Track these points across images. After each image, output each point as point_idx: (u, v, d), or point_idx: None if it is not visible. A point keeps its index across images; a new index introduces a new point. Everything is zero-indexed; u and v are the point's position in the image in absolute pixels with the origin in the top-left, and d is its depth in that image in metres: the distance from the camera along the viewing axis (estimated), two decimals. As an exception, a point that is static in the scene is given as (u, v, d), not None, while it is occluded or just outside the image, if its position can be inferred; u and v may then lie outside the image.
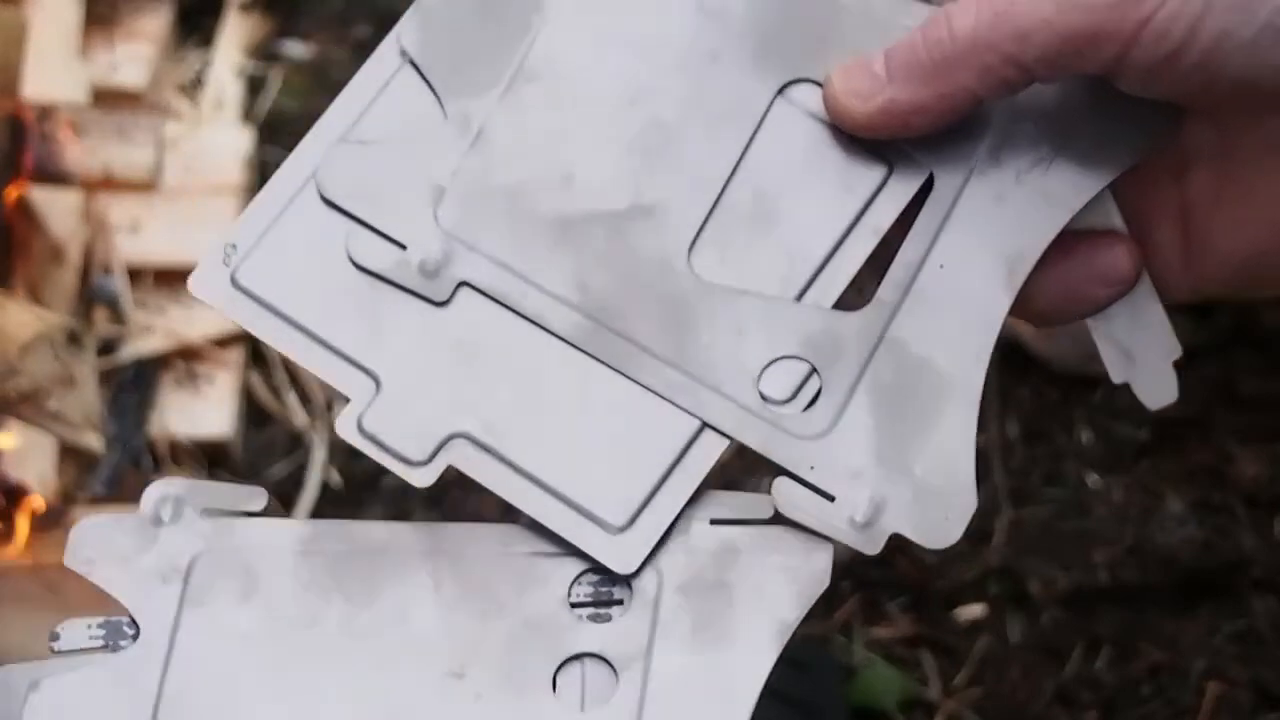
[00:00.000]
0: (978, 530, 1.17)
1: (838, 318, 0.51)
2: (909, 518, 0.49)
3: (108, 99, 1.28)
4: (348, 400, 0.50)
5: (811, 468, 0.49)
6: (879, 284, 0.51)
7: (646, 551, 0.49)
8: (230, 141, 1.32)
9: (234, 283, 0.51)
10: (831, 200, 0.52)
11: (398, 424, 0.50)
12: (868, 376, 0.50)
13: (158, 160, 1.25)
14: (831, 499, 0.49)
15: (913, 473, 0.49)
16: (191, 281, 0.51)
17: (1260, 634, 1.11)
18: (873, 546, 0.49)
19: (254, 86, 1.40)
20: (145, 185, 1.25)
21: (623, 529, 0.49)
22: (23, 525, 0.94)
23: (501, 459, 0.50)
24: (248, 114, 1.38)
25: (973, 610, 1.13)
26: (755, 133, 0.52)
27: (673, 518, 0.49)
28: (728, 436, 0.50)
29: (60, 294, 1.14)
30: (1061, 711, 1.09)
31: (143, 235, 1.24)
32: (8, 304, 0.97)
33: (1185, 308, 1.18)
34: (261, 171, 1.32)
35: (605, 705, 0.48)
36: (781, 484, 0.49)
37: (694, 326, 0.50)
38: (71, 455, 1.08)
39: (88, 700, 0.49)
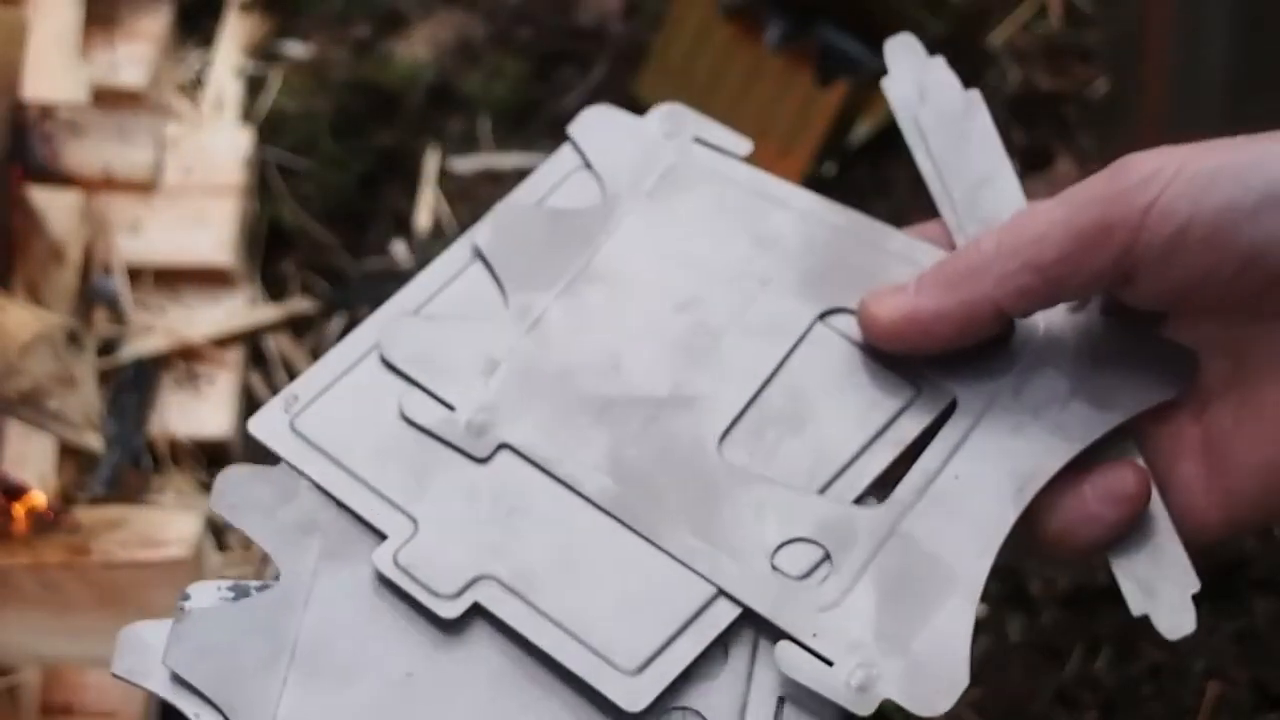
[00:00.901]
0: (978, 530, 1.17)
1: (853, 510, 0.54)
2: (901, 688, 0.52)
3: (108, 99, 1.28)
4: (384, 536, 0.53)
5: (814, 635, 0.52)
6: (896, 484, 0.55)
7: (656, 693, 0.51)
8: (230, 141, 1.32)
9: (293, 428, 0.55)
10: (859, 413, 0.56)
11: (431, 561, 0.53)
12: (876, 563, 0.53)
13: (158, 160, 1.25)
14: (830, 664, 0.52)
15: (909, 648, 0.52)
16: (252, 423, 0.55)
17: (1260, 634, 1.11)
18: (865, 709, 0.52)
19: (254, 86, 1.40)
20: (145, 185, 1.24)
21: (633, 673, 0.52)
22: (22, 525, 0.94)
23: (526, 602, 0.52)
24: (248, 114, 1.38)
25: (973, 610, 1.13)
26: (795, 347, 0.57)
27: (681, 669, 0.52)
28: (738, 602, 0.52)
29: (60, 294, 1.14)
30: (1061, 711, 1.09)
31: (143, 235, 1.24)
32: (8, 304, 0.97)
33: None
34: (261, 171, 1.32)
35: None
36: (785, 647, 0.52)
37: (717, 503, 0.54)
38: (71, 455, 1.08)
39: (228, 635, 0.52)
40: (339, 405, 0.56)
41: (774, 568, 0.53)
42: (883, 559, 0.53)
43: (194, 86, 1.40)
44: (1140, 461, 0.55)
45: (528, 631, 0.52)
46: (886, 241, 0.58)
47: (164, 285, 1.23)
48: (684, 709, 0.52)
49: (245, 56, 1.42)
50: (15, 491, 0.94)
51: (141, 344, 1.20)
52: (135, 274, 1.23)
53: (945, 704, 0.52)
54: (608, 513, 0.54)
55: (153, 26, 1.37)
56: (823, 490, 0.55)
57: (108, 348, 1.20)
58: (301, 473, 0.54)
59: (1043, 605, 1.12)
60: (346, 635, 0.52)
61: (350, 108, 1.39)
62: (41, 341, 0.94)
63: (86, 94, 1.24)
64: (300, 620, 0.52)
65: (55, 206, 1.15)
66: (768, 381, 0.56)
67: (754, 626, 0.53)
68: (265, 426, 0.56)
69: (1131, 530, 0.55)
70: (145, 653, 0.52)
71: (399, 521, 0.53)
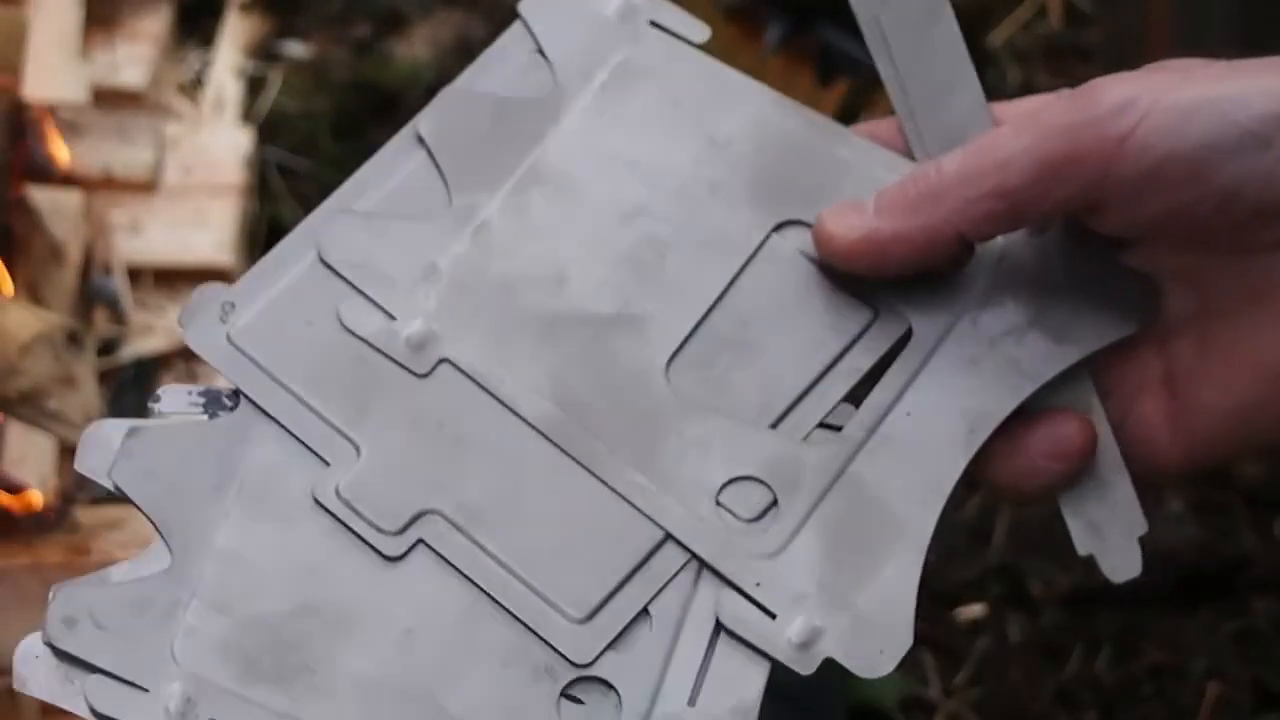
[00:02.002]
0: (978, 530, 1.17)
1: (801, 448, 0.52)
2: (844, 646, 0.50)
3: (108, 99, 1.28)
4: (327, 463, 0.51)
5: (758, 584, 0.50)
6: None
7: (602, 645, 0.50)
8: (230, 141, 1.31)
9: (230, 339, 0.53)
10: (814, 338, 0.54)
11: (374, 494, 0.51)
12: (822, 507, 0.52)
13: (158, 160, 1.25)
14: (773, 617, 0.50)
15: (854, 605, 0.51)
16: (189, 333, 0.53)
17: (1260, 634, 1.11)
18: (806, 667, 0.50)
19: (254, 86, 1.41)
20: (145, 185, 1.25)
21: (581, 622, 0.50)
22: (23, 525, 0.94)
23: (472, 540, 0.51)
24: (248, 114, 1.38)
25: (973, 610, 1.13)
26: (746, 264, 0.54)
27: (630, 618, 0.50)
28: (681, 544, 0.51)
29: (60, 294, 1.14)
30: (1061, 711, 1.09)
31: (143, 235, 1.24)
32: (8, 304, 0.97)
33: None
34: (261, 171, 1.32)
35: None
36: (727, 596, 0.50)
37: (662, 435, 0.52)
38: (72, 455, 1.08)
39: (178, 459, 0.51)
40: (277, 314, 0.53)
41: (719, 506, 0.51)
42: (830, 503, 0.52)
43: (194, 86, 1.40)
44: (1093, 407, 0.54)
45: (473, 573, 0.50)
46: (845, 148, 0.56)
47: (164, 285, 1.23)
48: (601, 681, 0.51)
49: (245, 56, 1.42)
50: (15, 491, 0.94)
51: (141, 344, 1.20)
52: (135, 274, 1.23)
53: (888, 666, 0.51)
54: (553, 443, 0.52)
55: (153, 26, 1.37)
56: (775, 424, 0.53)
57: (108, 348, 1.20)
58: (239, 389, 0.52)
59: (1043, 605, 1.12)
60: (295, 478, 0.51)
61: (350, 108, 1.39)
62: (41, 341, 0.94)
63: (86, 94, 1.24)
64: (252, 454, 0.51)
65: (55, 206, 1.15)
66: (717, 302, 0.54)
67: (694, 568, 0.51)
68: (202, 337, 0.53)
69: (1083, 469, 0.54)
70: (108, 453, 0.51)
71: (340, 446, 0.51)
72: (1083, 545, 0.54)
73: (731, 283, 0.54)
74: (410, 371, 0.52)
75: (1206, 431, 0.53)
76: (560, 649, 0.50)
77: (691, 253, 0.54)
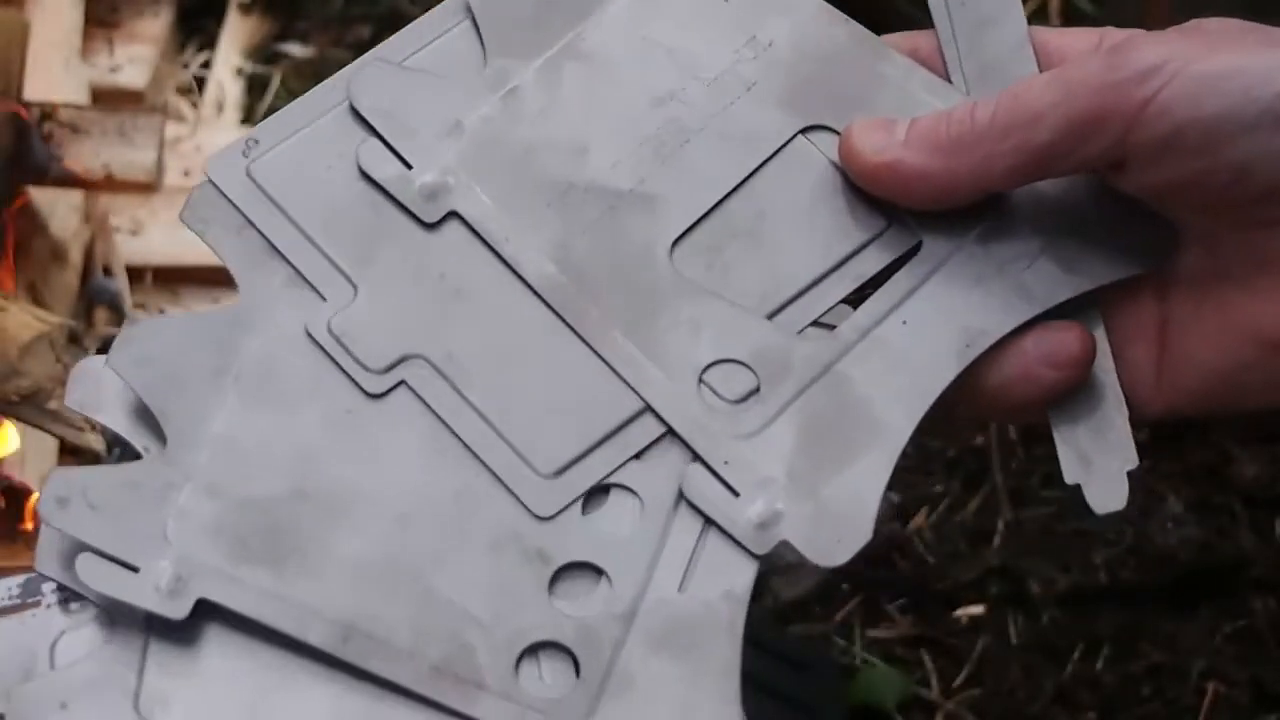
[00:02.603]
0: (978, 530, 1.17)
1: (793, 340, 0.53)
2: (802, 533, 0.51)
3: (108, 100, 1.29)
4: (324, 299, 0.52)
5: (726, 462, 0.51)
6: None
7: (566, 501, 0.51)
8: (230, 142, 1.31)
9: (249, 174, 0.54)
10: (824, 239, 0.54)
11: (364, 331, 0.52)
12: (803, 399, 0.52)
13: (158, 161, 1.25)
14: (736, 495, 0.51)
15: (818, 494, 0.51)
16: (209, 164, 0.54)
17: (1260, 634, 1.11)
18: (761, 547, 0.51)
19: (254, 87, 1.41)
20: (146, 186, 1.25)
21: (548, 477, 0.51)
22: (24, 526, 0.94)
23: (454, 387, 0.52)
24: (248, 115, 1.38)
25: (973, 610, 1.13)
26: (768, 160, 0.55)
27: (597, 480, 0.51)
28: (658, 416, 0.52)
29: (60, 294, 1.14)
30: (1061, 711, 1.09)
31: (143, 235, 1.25)
32: (8, 304, 0.97)
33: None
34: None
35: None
36: (694, 470, 0.51)
37: (657, 310, 0.53)
38: (71, 455, 1.08)
39: (176, 346, 0.52)
40: (299, 154, 0.54)
41: (702, 385, 0.52)
42: (811, 396, 0.52)
43: (194, 87, 1.40)
44: (1098, 330, 0.54)
45: (450, 419, 0.51)
46: (886, 64, 0.56)
47: (164, 285, 1.23)
48: (591, 567, 0.51)
49: (245, 57, 1.42)
50: (16, 492, 0.94)
51: (142, 344, 1.20)
52: (135, 274, 1.23)
53: (843, 557, 0.51)
54: (548, 305, 0.52)
55: (153, 27, 1.37)
56: (771, 316, 0.53)
57: (108, 348, 1.19)
58: (249, 222, 0.53)
59: (1043, 605, 1.12)
60: (294, 366, 0.52)
61: (350, 108, 1.39)
62: (42, 342, 0.94)
63: (87, 95, 1.24)
64: (251, 342, 0.52)
65: (55, 206, 1.15)
66: (734, 192, 0.54)
67: (676, 450, 0.52)
68: (222, 170, 0.54)
69: (1080, 398, 0.54)
70: (97, 386, 0.52)
71: (339, 285, 0.52)
72: (1071, 474, 0.55)
73: (750, 175, 0.54)
74: (419, 221, 0.53)
75: (1191, 386, 0.54)
76: (524, 501, 0.51)
77: (715, 143, 0.55)
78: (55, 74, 1.23)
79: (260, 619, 0.50)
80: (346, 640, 0.50)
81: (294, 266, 0.53)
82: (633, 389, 0.52)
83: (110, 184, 1.22)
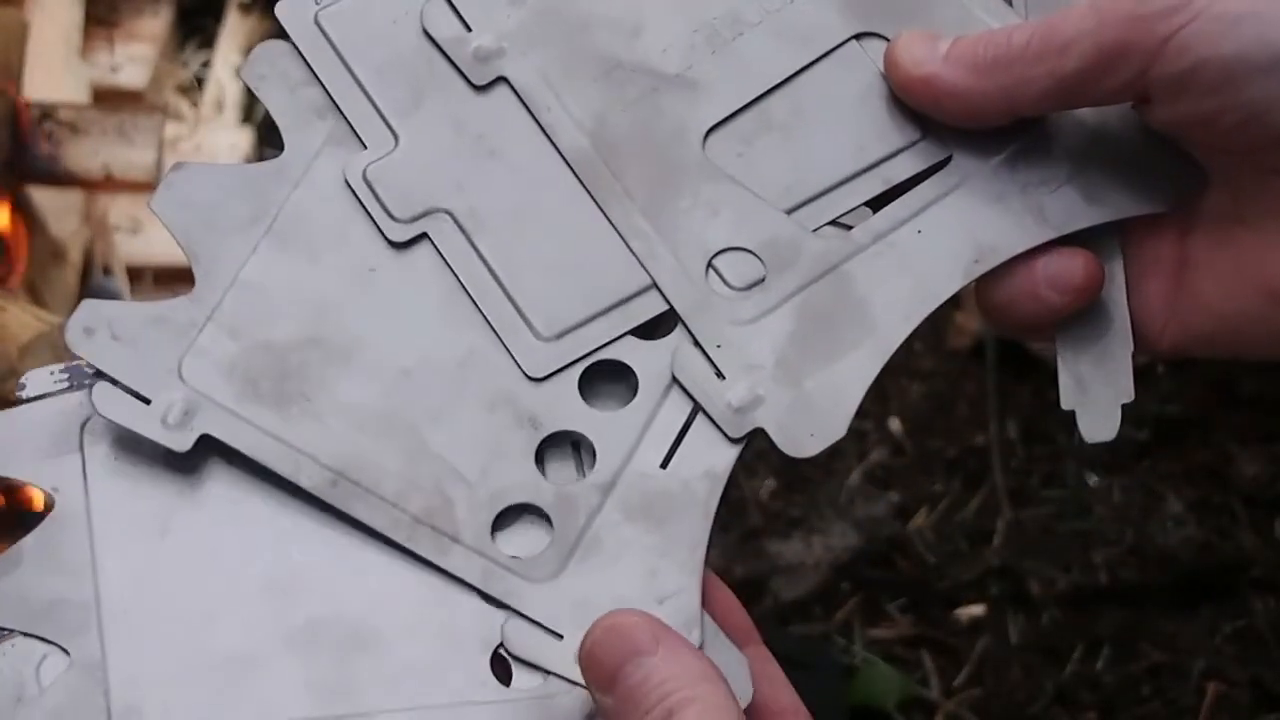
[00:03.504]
0: (978, 530, 1.17)
1: (805, 235, 0.54)
2: (778, 420, 0.52)
3: (108, 99, 1.29)
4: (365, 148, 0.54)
5: (718, 346, 0.52)
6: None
7: (558, 365, 0.52)
8: (230, 142, 1.32)
9: (316, 20, 0.56)
10: (856, 141, 0.55)
11: (397, 179, 0.54)
12: (806, 292, 0.53)
13: (158, 161, 1.25)
14: (722, 378, 0.52)
15: (801, 385, 0.52)
16: (279, 7, 0.57)
17: (1260, 634, 1.11)
18: (736, 430, 0.52)
19: (254, 87, 1.41)
20: (145, 185, 1.25)
21: (546, 340, 0.52)
22: (24, 525, 0.94)
23: (471, 244, 0.53)
24: (248, 114, 1.38)
25: (973, 610, 1.13)
26: (818, 59, 0.56)
27: (594, 348, 0.53)
28: (662, 293, 0.53)
29: (60, 294, 1.14)
30: (1061, 711, 1.09)
31: (143, 235, 1.25)
32: (8, 304, 0.97)
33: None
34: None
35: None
36: (684, 350, 0.52)
37: (678, 191, 0.54)
38: (72, 455, 1.08)
39: (216, 193, 0.54)
40: (367, 6, 0.56)
41: (710, 269, 0.53)
42: (814, 291, 0.53)
43: (194, 87, 1.40)
44: (1114, 271, 0.54)
45: (460, 271, 0.53)
46: None
47: (164, 285, 1.23)
48: (579, 437, 0.52)
49: (245, 56, 1.42)
50: (16, 492, 0.94)
51: (142, 344, 1.20)
52: (135, 274, 1.23)
53: (813, 449, 0.52)
54: (576, 175, 0.54)
55: (153, 27, 1.37)
56: (792, 211, 0.54)
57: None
58: (306, 63, 0.56)
59: (1043, 605, 1.12)
60: (326, 219, 0.53)
61: (350, 108, 1.39)
62: (42, 342, 0.94)
63: (87, 94, 1.24)
64: (289, 195, 0.54)
65: (55, 206, 1.15)
66: (777, 87, 0.55)
67: (677, 331, 0.53)
68: (291, 11, 0.57)
69: (1087, 325, 0.55)
70: (95, 324, 0.52)
71: (382, 134, 0.54)
72: (1067, 400, 0.55)
73: (798, 73, 0.55)
74: (469, 82, 0.55)
75: (1199, 328, 0.54)
76: (518, 360, 0.52)
77: (769, 39, 0.56)
78: (55, 74, 1.23)
79: (257, 458, 0.51)
80: (335, 485, 0.52)
81: (342, 112, 0.55)
82: (640, 263, 0.53)
83: (110, 184, 1.22)
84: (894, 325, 0.53)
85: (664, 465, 0.52)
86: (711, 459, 0.52)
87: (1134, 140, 0.54)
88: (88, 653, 0.50)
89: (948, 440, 1.21)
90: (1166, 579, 1.13)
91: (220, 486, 0.52)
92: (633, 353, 0.53)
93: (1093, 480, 1.19)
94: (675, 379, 0.52)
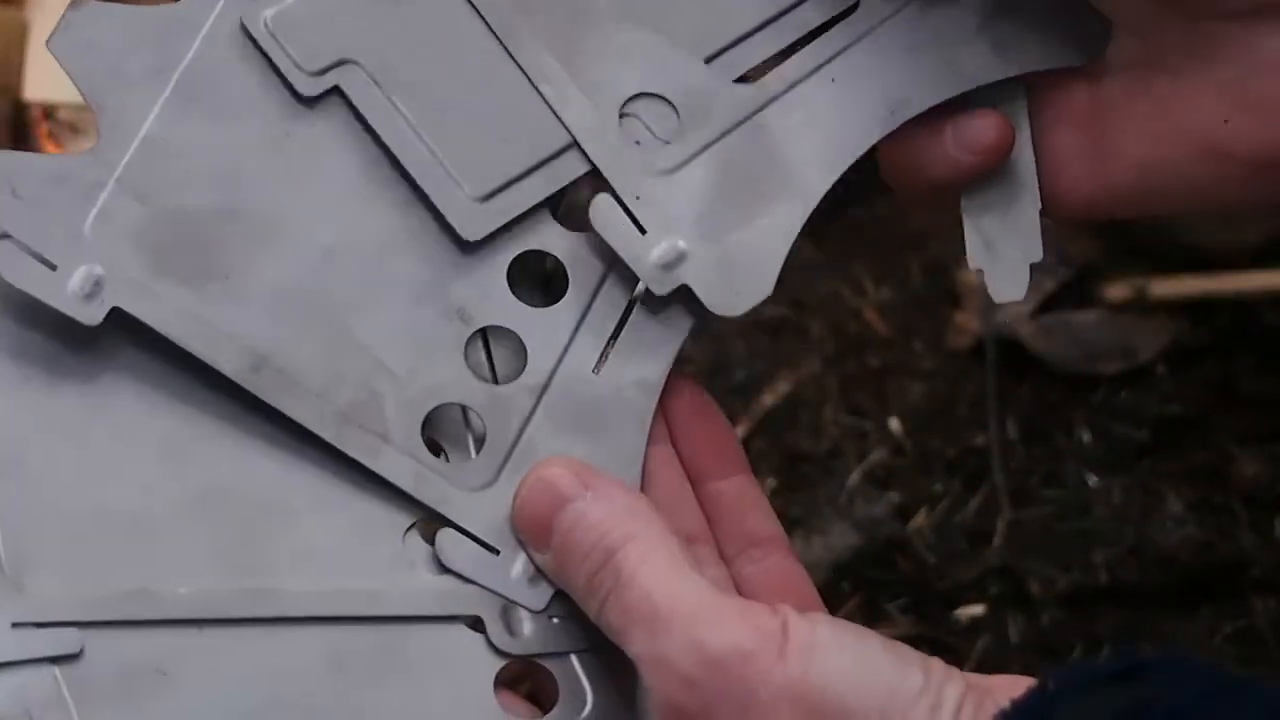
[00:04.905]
0: (978, 530, 1.17)
1: (721, 84, 0.53)
2: (704, 278, 0.51)
3: (108, 99, 1.28)
4: None
5: (637, 198, 0.51)
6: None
7: (497, 225, 0.51)
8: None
9: None
10: None
11: (301, 28, 0.51)
12: (723, 143, 0.52)
13: (158, 160, 1.25)
14: (644, 232, 0.51)
15: (725, 240, 0.51)
16: None
17: (1260, 634, 1.11)
18: (662, 288, 0.51)
19: (254, 87, 1.40)
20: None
21: (479, 200, 0.51)
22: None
23: (387, 98, 0.51)
24: (248, 114, 1.38)
25: (973, 610, 1.13)
26: None
27: (524, 210, 0.51)
28: (576, 142, 0.51)
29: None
30: (1061, 711, 1.09)
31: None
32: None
33: (1185, 307, 1.18)
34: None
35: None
36: (603, 201, 0.51)
37: (589, 32, 0.52)
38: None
39: (119, 39, 0.50)
40: None
41: (624, 117, 0.52)
42: (731, 141, 0.52)
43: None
44: (1021, 125, 0.54)
45: (382, 130, 0.51)
46: None
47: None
48: (509, 334, 0.51)
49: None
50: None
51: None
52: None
53: (743, 307, 0.51)
54: (482, 17, 0.52)
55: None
56: (709, 60, 0.53)
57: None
58: None
59: (1043, 605, 1.12)
60: (231, 75, 0.51)
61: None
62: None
63: (87, 94, 1.24)
64: (191, 45, 0.50)
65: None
66: None
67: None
68: None
69: (994, 186, 0.54)
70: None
71: None
72: (974, 260, 0.55)
73: None
74: None
75: (1115, 179, 0.53)
76: (454, 222, 0.51)
77: None
78: (55, 74, 1.22)
79: (172, 336, 0.49)
80: (257, 371, 0.49)
81: None
82: (551, 109, 0.51)
83: (110, 184, 1.22)
84: (813, 178, 0.52)
85: (596, 370, 0.52)
86: (645, 367, 0.51)
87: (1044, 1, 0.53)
88: None
89: (948, 440, 1.21)
90: (1166, 579, 1.13)
91: (118, 352, 0.49)
92: (562, 244, 0.52)
93: (1093, 480, 1.19)
94: (595, 229, 0.51)
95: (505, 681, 0.51)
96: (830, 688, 0.46)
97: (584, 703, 0.51)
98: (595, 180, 0.52)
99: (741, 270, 0.51)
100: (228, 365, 0.49)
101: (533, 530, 0.49)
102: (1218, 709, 0.43)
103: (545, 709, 0.51)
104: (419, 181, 0.51)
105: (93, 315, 0.48)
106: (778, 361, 1.17)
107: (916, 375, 1.26)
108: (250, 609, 0.48)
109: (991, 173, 0.54)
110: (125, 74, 0.50)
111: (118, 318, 0.49)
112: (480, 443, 0.51)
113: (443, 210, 0.51)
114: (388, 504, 0.50)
